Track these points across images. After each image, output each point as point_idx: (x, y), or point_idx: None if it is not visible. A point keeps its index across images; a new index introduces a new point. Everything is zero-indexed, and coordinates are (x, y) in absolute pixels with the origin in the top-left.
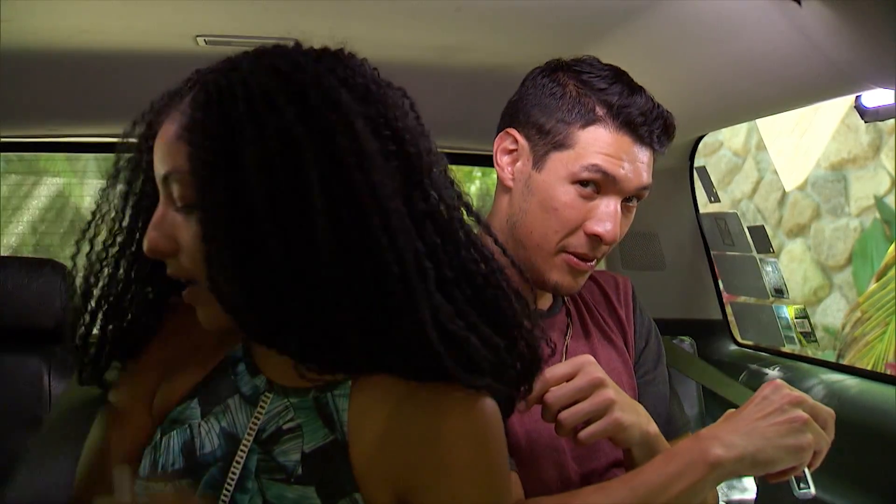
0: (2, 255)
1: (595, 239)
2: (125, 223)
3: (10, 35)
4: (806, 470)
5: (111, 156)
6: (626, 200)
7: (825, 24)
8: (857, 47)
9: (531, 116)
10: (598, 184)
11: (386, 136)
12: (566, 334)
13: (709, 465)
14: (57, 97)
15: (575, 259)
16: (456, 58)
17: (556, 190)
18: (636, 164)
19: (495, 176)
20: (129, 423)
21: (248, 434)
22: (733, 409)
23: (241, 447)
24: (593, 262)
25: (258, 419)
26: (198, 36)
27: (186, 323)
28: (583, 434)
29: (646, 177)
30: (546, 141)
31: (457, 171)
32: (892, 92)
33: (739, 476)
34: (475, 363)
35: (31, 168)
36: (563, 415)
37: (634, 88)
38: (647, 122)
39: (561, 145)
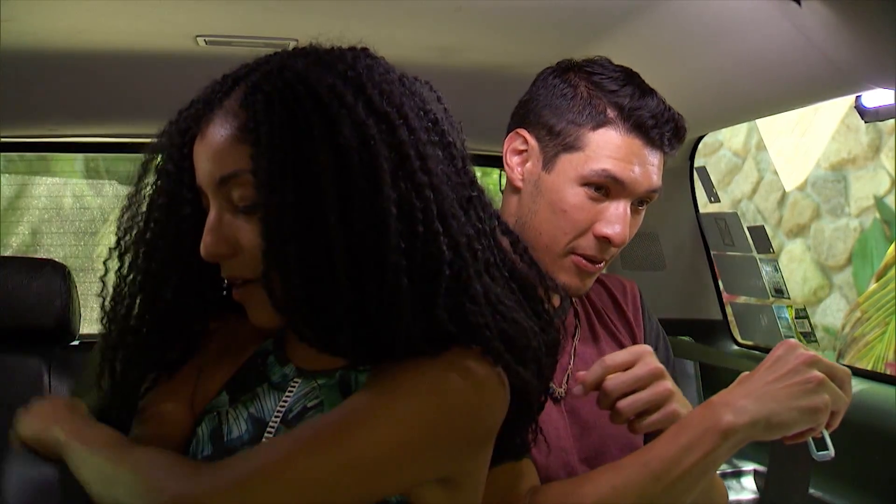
0: (2, 255)
1: (604, 241)
2: (171, 235)
3: (9, 35)
4: (824, 431)
5: (110, 156)
6: (635, 203)
7: (825, 25)
8: (857, 47)
9: (541, 117)
10: (607, 187)
11: (429, 127)
12: (574, 336)
13: (720, 432)
14: (57, 97)
15: (583, 261)
16: (456, 58)
17: (565, 192)
18: (646, 167)
19: (495, 176)
20: (171, 426)
21: (276, 416)
22: (747, 373)
23: (269, 429)
24: (601, 265)
25: (286, 402)
26: (198, 36)
27: (217, 325)
28: (640, 425)
29: (656, 180)
30: (556, 142)
31: None
32: (892, 92)
33: (755, 440)
34: (514, 343)
35: (31, 168)
36: (622, 404)
37: (646, 90)
38: (658, 125)
39: (571, 147)
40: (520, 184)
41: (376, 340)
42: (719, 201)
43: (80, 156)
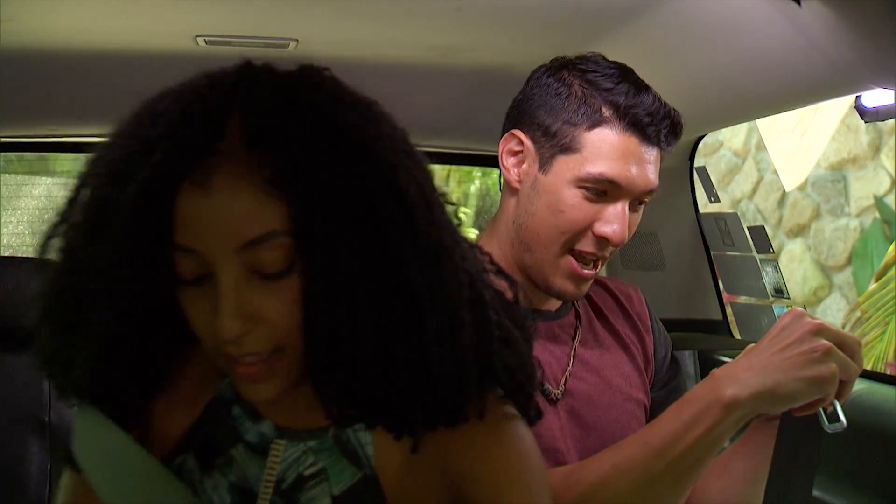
0: (1, 255)
1: (603, 240)
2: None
3: (9, 35)
4: (836, 402)
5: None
6: (634, 202)
7: (825, 25)
8: (857, 47)
9: (536, 117)
10: (605, 189)
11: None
12: (574, 337)
13: (724, 406)
14: (56, 97)
15: (578, 266)
16: (456, 57)
17: (562, 193)
18: (644, 165)
19: (495, 176)
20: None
21: (266, 487)
22: (753, 345)
23: (261, 497)
24: (595, 271)
25: (274, 469)
26: (198, 36)
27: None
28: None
29: (653, 178)
30: (552, 143)
31: (456, 172)
32: (892, 92)
33: (761, 413)
34: (515, 381)
35: (30, 168)
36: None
37: (641, 87)
38: (654, 122)
39: (567, 148)
40: (517, 185)
41: (404, 399)
42: (719, 201)
43: (79, 156)
